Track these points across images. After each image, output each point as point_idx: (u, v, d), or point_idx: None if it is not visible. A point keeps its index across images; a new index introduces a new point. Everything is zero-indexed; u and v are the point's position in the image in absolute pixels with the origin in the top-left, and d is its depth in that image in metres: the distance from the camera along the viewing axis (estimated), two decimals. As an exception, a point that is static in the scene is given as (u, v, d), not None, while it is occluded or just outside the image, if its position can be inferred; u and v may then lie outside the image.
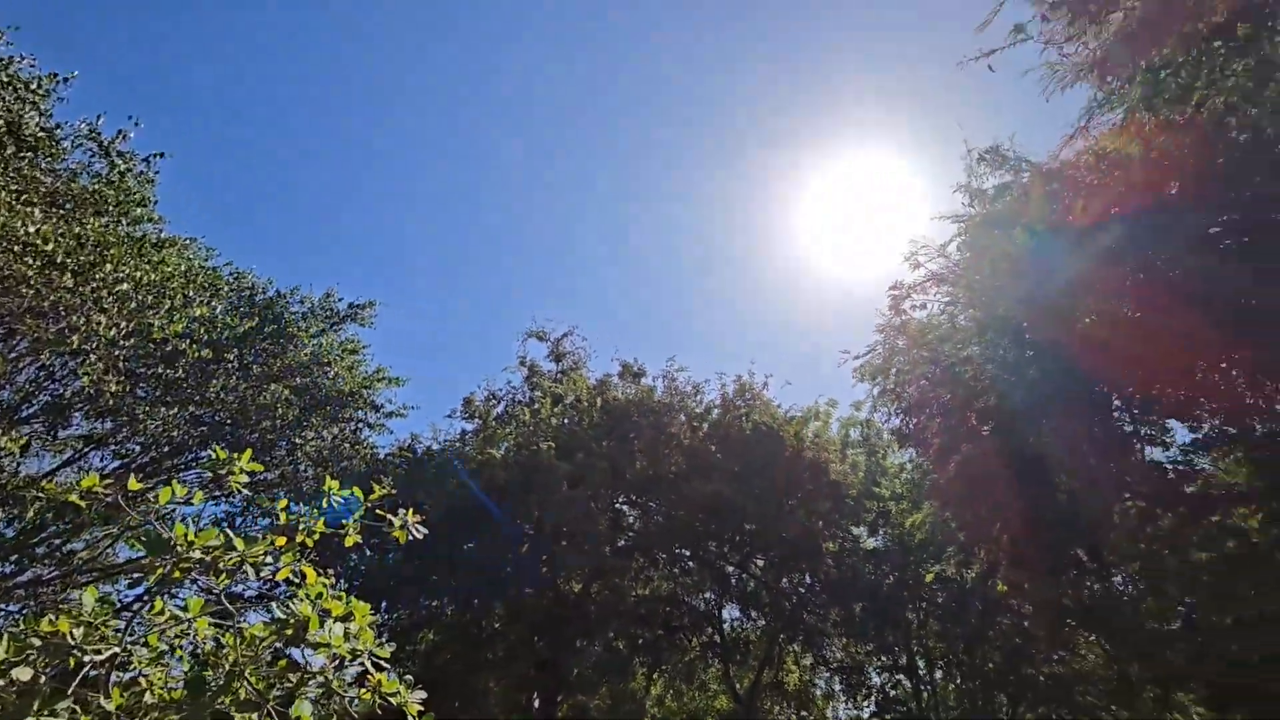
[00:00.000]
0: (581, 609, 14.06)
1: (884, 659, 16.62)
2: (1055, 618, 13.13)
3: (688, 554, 15.82)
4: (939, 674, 17.10)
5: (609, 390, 15.05)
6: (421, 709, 2.48)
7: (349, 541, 2.86)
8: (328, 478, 2.95)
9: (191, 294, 10.48)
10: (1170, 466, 10.13)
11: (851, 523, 16.18)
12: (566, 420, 14.28)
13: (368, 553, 13.50)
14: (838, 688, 17.20)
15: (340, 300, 13.60)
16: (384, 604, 13.68)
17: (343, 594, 2.66)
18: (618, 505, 15.54)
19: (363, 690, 2.46)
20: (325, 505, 2.78)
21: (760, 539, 14.72)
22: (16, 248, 7.25)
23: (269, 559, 2.45)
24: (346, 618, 2.60)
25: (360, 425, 13.99)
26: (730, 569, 16.11)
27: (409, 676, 2.49)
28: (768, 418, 14.61)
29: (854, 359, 9.12)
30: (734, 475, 14.01)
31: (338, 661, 2.29)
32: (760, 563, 15.94)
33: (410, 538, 2.83)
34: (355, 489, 2.80)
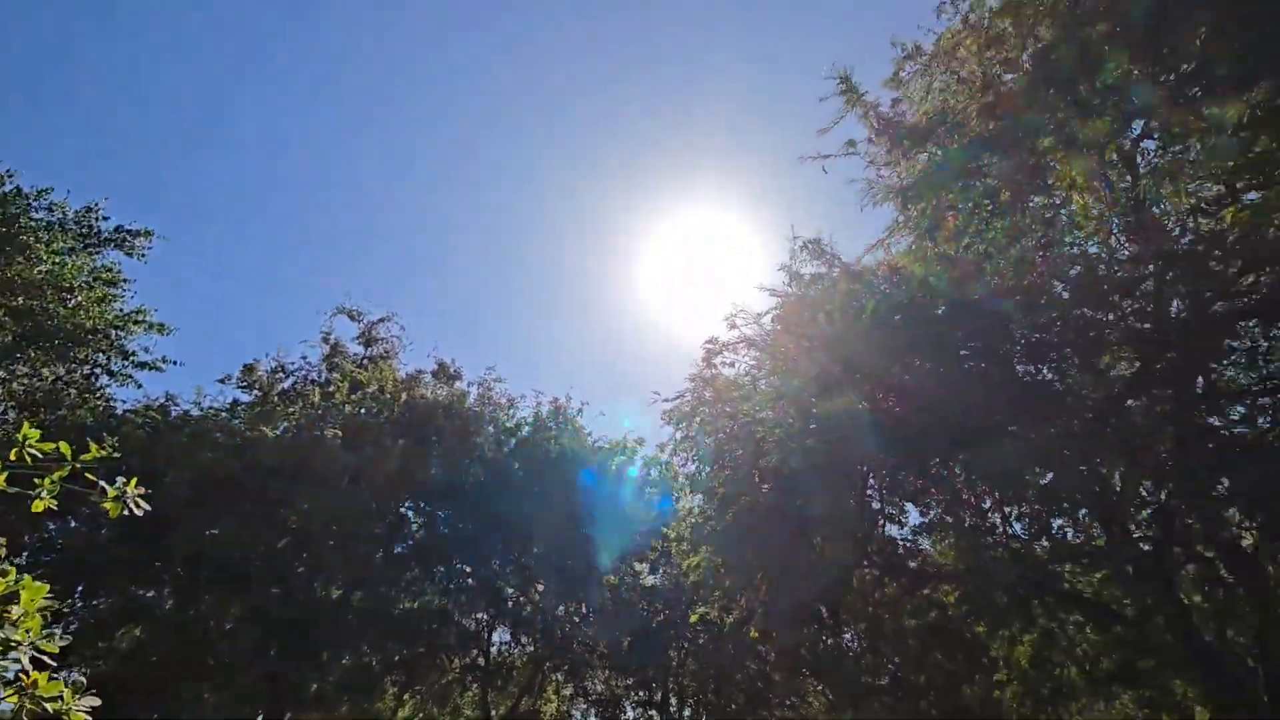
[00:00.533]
0: (336, 617, 12.82)
1: (641, 694, 17.23)
2: (793, 666, 14.63)
3: (468, 570, 15.26)
4: (688, 712, 18.09)
5: (418, 387, 14.18)
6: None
7: (38, 507, 2.37)
8: (26, 424, 2.42)
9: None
10: (901, 543, 11.88)
11: (637, 558, 16.76)
12: (363, 410, 13.12)
13: (72, 524, 11.13)
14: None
15: (105, 220, 11.29)
16: (80, 588, 11.33)
17: (12, 569, 2.17)
18: (403, 509, 14.57)
19: (10, 691, 2.01)
20: (15, 456, 2.25)
21: (546, 564, 14.67)
22: None
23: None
24: (9, 598, 2.12)
25: (97, 370, 11.59)
26: (510, 590, 15.80)
27: (81, 679, 2.06)
28: (577, 444, 14.78)
29: (664, 401, 9.61)
30: (533, 496, 13.88)
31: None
32: (541, 588, 15.85)
33: (127, 512, 2.40)
34: (63, 444, 2.31)
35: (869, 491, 11.19)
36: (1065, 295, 8.33)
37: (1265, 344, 9.46)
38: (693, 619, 12.40)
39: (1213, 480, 9.58)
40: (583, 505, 14.04)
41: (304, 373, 13.96)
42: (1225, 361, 9.89)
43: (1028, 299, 7.92)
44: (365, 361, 14.24)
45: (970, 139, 6.25)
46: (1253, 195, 7.47)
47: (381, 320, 14.86)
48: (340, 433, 11.75)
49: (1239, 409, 10.40)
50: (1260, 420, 10.33)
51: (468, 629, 15.65)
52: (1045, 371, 9.37)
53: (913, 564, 12.14)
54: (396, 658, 13.68)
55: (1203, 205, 7.19)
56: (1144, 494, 10.92)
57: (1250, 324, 8.95)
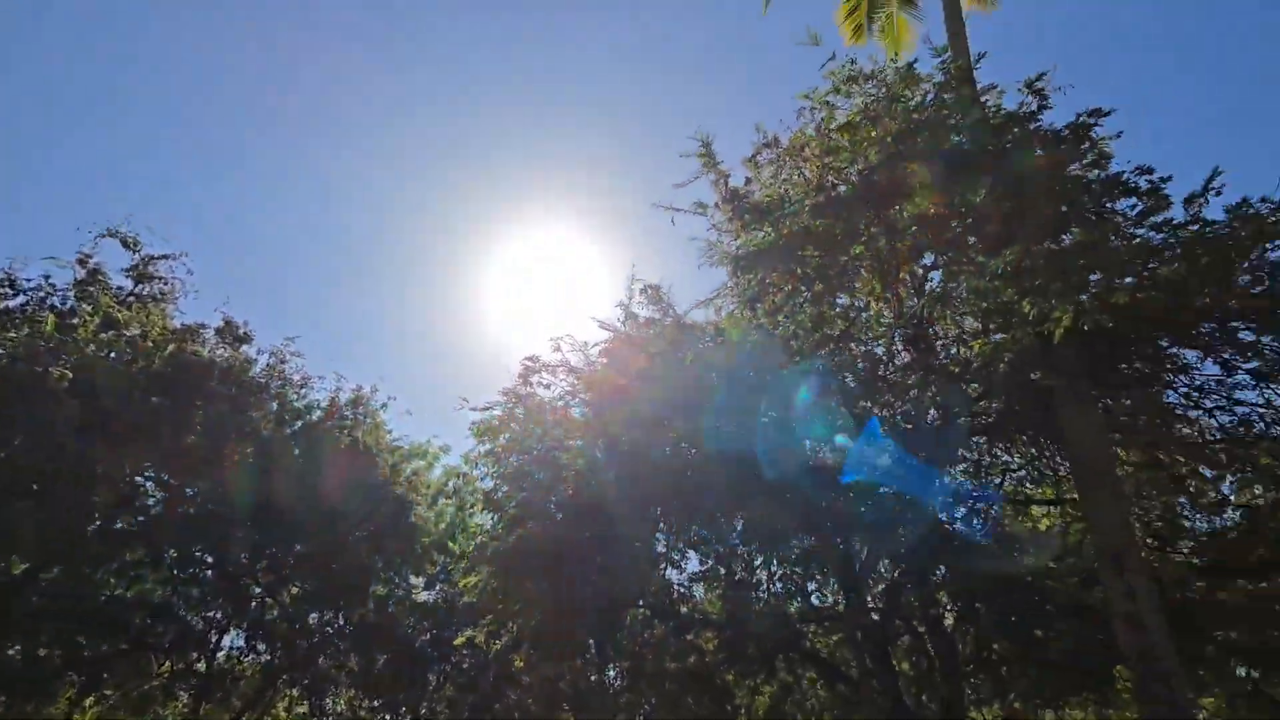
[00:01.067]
0: (10, 599, 10.37)
1: (387, 717, 15.98)
2: (553, 699, 14.48)
3: (210, 560, 13.23)
4: (436, 740, 17.10)
5: (193, 342, 12.10)
6: None
7: None
8: None
9: None
10: (677, 587, 12.40)
11: (414, 570, 15.72)
12: (113, 354, 10.90)
13: None
14: (325, 743, 15.81)
15: None
16: None
17: None
18: (139, 478, 12.27)
19: None
20: None
21: (306, 564, 13.19)
22: None
23: None
24: None
25: None
26: (258, 589, 13.95)
27: None
28: (373, 439, 13.64)
29: (472, 409, 9.25)
30: (308, 488, 12.48)
31: None
32: (295, 590, 14.18)
33: None
34: None
35: (658, 534, 11.59)
36: (852, 386, 9.46)
37: (987, 459, 11.40)
38: (458, 641, 11.81)
39: (933, 566, 11.21)
40: (364, 506, 12.90)
41: (42, 295, 11.35)
42: (959, 468, 11.73)
43: (824, 381, 8.88)
44: (131, 299, 11.93)
45: (799, 229, 6.92)
46: (997, 335, 9.09)
47: (165, 257, 12.56)
48: (71, 374, 9.62)
49: (961, 509, 12.34)
50: (974, 522, 12.33)
51: (192, 628, 13.45)
52: (825, 450, 10.48)
53: (683, 609, 12.72)
54: (87, 653, 11.29)
55: (963, 335, 8.57)
56: (882, 569, 12.49)
57: (980, 440, 10.75)
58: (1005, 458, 11.48)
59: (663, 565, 12.19)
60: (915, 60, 7.36)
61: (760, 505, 8.11)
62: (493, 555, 8.84)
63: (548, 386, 9.06)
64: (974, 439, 10.72)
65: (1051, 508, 11.45)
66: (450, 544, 15.96)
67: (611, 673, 14.98)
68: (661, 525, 11.57)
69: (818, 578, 12.46)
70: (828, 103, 7.67)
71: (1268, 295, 7.42)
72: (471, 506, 16.61)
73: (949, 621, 12.04)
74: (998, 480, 11.74)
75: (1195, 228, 7.54)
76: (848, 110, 7.58)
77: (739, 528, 11.23)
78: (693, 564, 12.76)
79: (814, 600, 13.15)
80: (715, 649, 13.09)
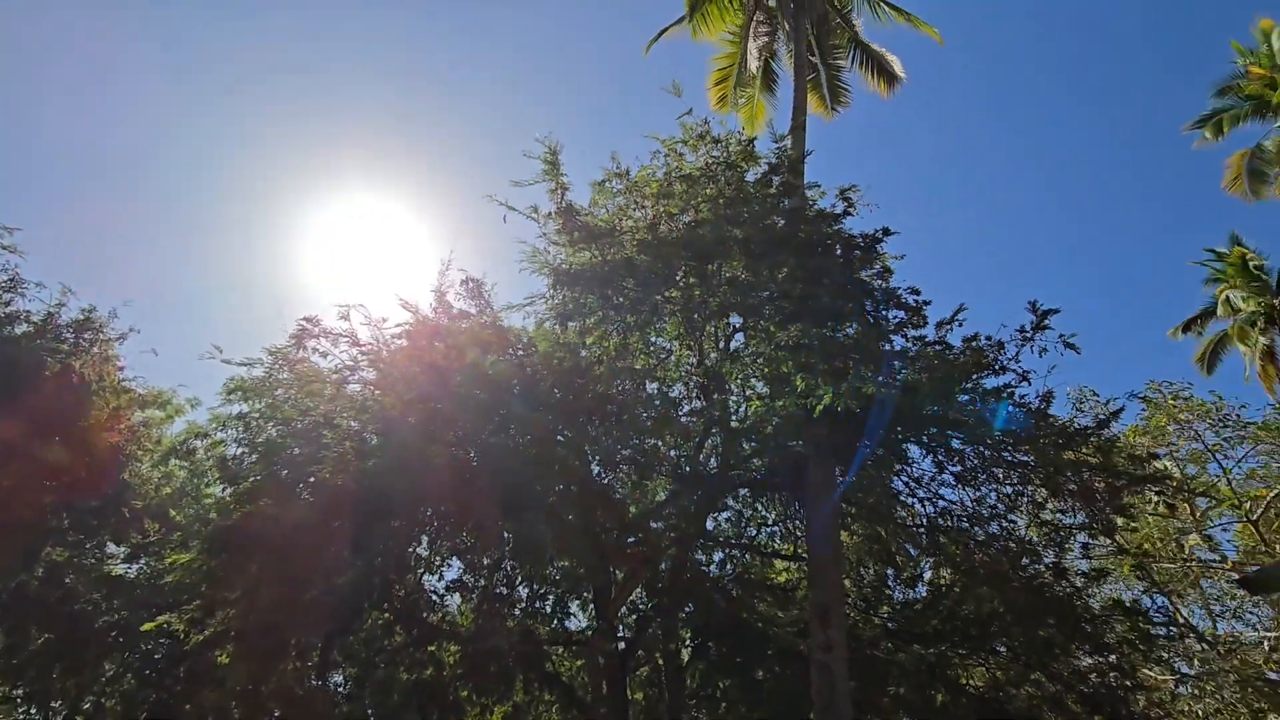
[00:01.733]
0: None
1: (35, 711, 13.04)
2: (256, 703, 12.81)
3: None
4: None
5: None
6: None
7: None
8: None
9: None
10: (430, 594, 11.77)
11: (114, 537, 13.15)
12: None
13: None
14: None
15: None
16: None
17: None
18: None
19: None
20: None
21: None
22: None
23: None
24: None
25: None
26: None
27: None
28: (94, 373, 11.25)
29: (225, 362, 8.06)
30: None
31: None
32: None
33: None
34: None
35: (423, 535, 10.94)
36: (645, 420, 9.82)
37: (748, 511, 12.44)
38: (147, 627, 10.03)
39: (683, 602, 11.87)
40: (58, 450, 10.51)
41: None
42: (724, 515, 12.64)
43: (619, 411, 9.11)
44: None
45: (623, 259, 7.09)
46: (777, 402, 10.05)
47: None
48: None
49: (719, 554, 13.29)
50: (728, 567, 13.34)
51: None
52: (608, 478, 10.71)
53: (431, 617, 12.08)
54: None
55: (747, 394, 9.34)
56: (637, 600, 12.96)
57: (745, 492, 11.71)
58: (763, 512, 12.63)
59: (420, 570, 11.52)
60: (756, 139, 8.03)
61: (530, 522, 8.00)
62: (212, 531, 7.66)
63: (325, 355, 8.21)
64: (741, 490, 11.66)
65: (790, 563, 12.74)
66: (172, 512, 13.63)
67: (339, 678, 13.70)
68: (429, 528, 10.96)
69: (575, 601, 12.58)
70: (677, 151, 8.05)
71: (975, 413, 9.06)
72: (210, 475, 14.35)
73: (685, 656, 12.78)
74: (753, 531, 12.87)
75: (938, 347, 9.03)
76: (693, 163, 8.01)
77: (509, 541, 11.01)
78: (454, 573, 12.23)
79: (568, 624, 13.24)
80: (455, 663, 12.57)
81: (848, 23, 15.18)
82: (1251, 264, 27.45)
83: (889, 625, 11.54)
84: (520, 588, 12.11)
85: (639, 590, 12.11)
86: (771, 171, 7.83)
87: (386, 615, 11.28)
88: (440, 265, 8.25)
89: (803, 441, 7.47)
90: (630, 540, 10.66)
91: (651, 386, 8.63)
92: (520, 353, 9.08)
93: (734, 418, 9.92)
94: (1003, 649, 10.74)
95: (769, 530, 12.81)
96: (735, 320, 9.49)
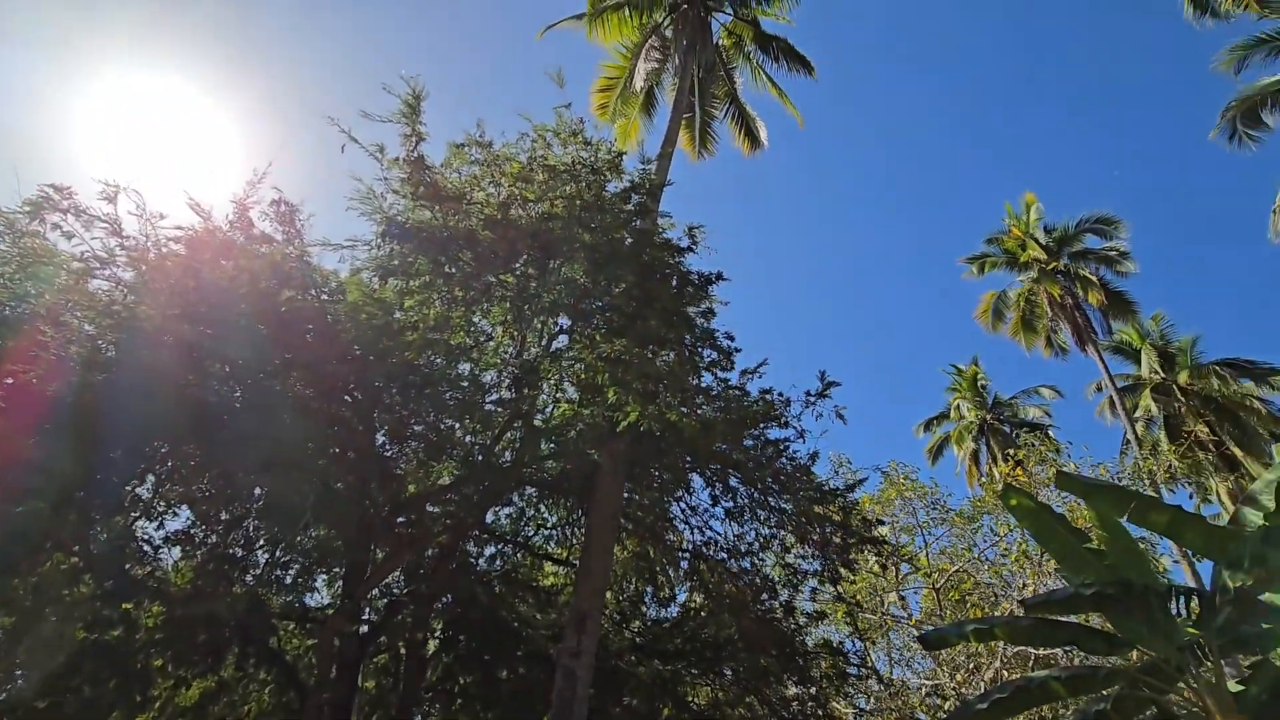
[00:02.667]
0: None
1: None
2: None
3: None
4: None
5: None
6: None
7: None
8: None
9: None
10: (142, 542, 10.06)
11: None
12: None
13: None
14: None
15: None
16: None
17: None
18: None
19: None
20: None
21: None
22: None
23: None
24: None
25: None
26: None
27: None
28: None
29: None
30: None
31: None
32: None
33: None
34: None
35: (144, 470, 9.32)
36: (449, 399, 9.37)
37: (530, 510, 12.42)
38: None
39: (444, 592, 11.43)
40: None
41: None
42: (505, 510, 12.46)
43: (422, 384, 8.58)
44: None
45: (465, 230, 6.75)
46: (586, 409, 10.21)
47: None
48: None
49: (491, 548, 13.06)
50: (497, 563, 13.15)
51: None
52: (392, 451, 10.02)
53: (137, 570, 10.30)
54: None
55: (556, 395, 9.36)
56: (394, 583, 12.23)
57: (532, 491, 11.66)
58: (545, 514, 12.67)
59: (136, 513, 9.80)
60: (625, 154, 8.19)
61: (293, 481, 7.18)
62: None
63: (71, 238, 6.69)
64: (529, 489, 11.60)
65: (560, 568, 12.90)
66: None
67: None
68: (157, 466, 9.39)
69: (323, 575, 11.56)
70: (546, 140, 7.91)
71: (755, 458, 9.97)
72: None
73: (431, 648, 12.28)
74: (531, 531, 12.84)
75: (737, 391, 9.81)
76: (560, 156, 7.92)
77: (260, 498, 9.81)
78: (180, 523, 10.57)
79: (308, 599, 12.10)
80: (156, 626, 10.80)
81: (730, 78, 16.20)
82: (979, 382, 33.82)
83: (637, 640, 12.14)
84: (260, 551, 10.83)
85: (398, 573, 11.45)
86: (633, 189, 8.01)
87: (75, 560, 9.39)
88: (251, 176, 7.16)
89: (600, 453, 7.63)
90: (401, 520, 10.06)
91: (463, 367, 8.26)
92: (325, 297, 8.20)
93: (540, 417, 9.85)
94: (729, 672, 11.79)
95: (547, 532, 12.88)
96: (564, 321, 9.48)
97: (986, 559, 16.93)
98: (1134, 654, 7.50)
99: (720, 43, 15.49)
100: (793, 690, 12.01)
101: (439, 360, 7.31)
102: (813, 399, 9.54)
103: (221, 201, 7.79)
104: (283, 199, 7.95)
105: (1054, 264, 27.32)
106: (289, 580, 10.86)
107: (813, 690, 11.18)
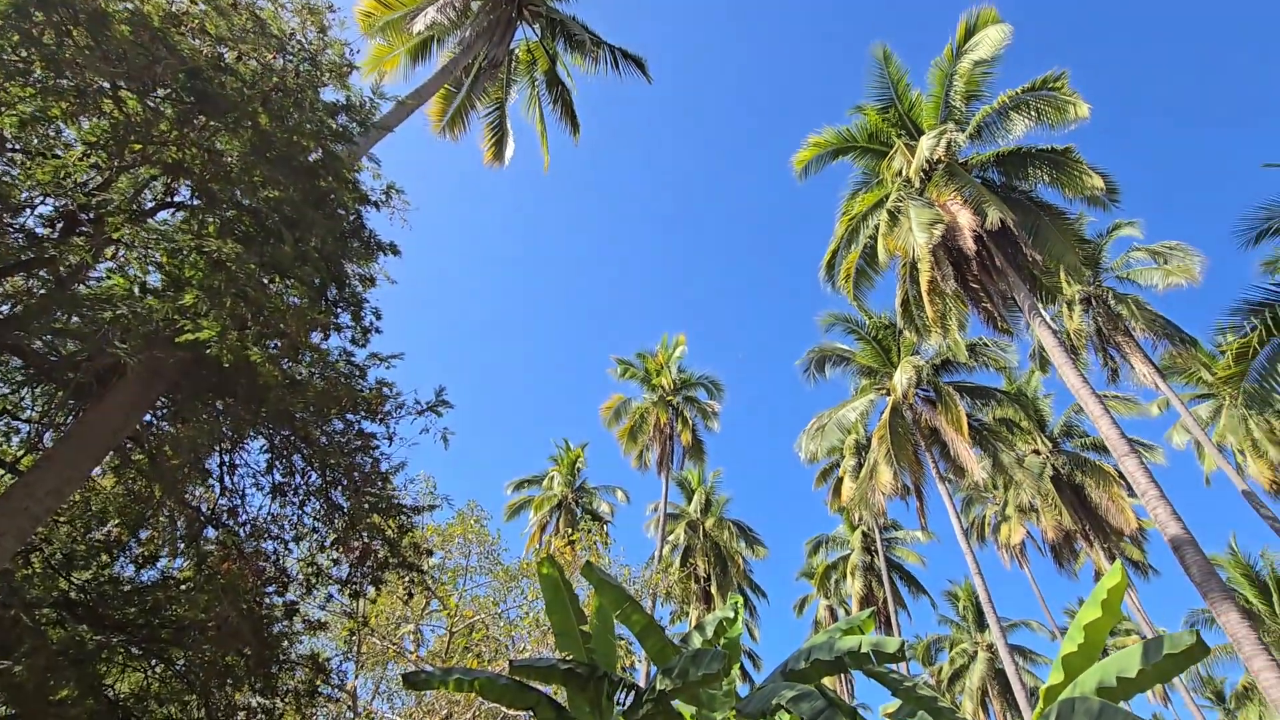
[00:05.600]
0: None
1: None
2: None
3: None
4: None
5: None
6: None
7: None
8: None
9: None
10: None
11: None
12: None
13: None
14: None
15: None
16: None
17: None
18: None
19: None
20: None
21: None
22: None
23: None
24: None
25: None
26: None
27: None
28: None
29: None
30: None
31: None
32: None
33: None
34: None
35: None
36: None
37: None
38: None
39: None
40: None
41: None
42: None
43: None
44: None
45: (95, 11, 4.98)
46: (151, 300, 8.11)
47: None
48: None
49: None
50: None
51: None
52: None
53: None
54: None
55: (124, 269, 7.28)
56: None
57: (13, 362, 8.67)
58: (27, 401, 9.48)
59: None
60: (359, 70, 7.23)
61: None
62: None
63: None
64: (15, 359, 8.58)
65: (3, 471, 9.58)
66: None
67: None
68: None
69: None
70: (278, -6, 6.55)
71: (336, 445, 9.12)
72: None
73: None
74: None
75: (354, 369, 9.02)
76: (283, 21, 6.61)
77: None
78: None
79: None
80: None
81: (506, 86, 16.10)
82: (577, 465, 37.50)
83: (72, 595, 9.49)
84: None
85: None
86: (346, 108, 7.05)
87: None
88: None
89: (136, 357, 5.98)
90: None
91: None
92: None
93: (88, 286, 7.49)
94: (181, 662, 9.93)
95: (15, 425, 9.54)
96: (184, 193, 7.56)
97: (508, 617, 18.05)
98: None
99: (516, 52, 15.40)
100: (255, 700, 10.59)
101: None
102: (423, 408, 9.23)
103: None
104: None
105: (672, 398, 32.74)
106: None
107: (278, 702, 10.03)
